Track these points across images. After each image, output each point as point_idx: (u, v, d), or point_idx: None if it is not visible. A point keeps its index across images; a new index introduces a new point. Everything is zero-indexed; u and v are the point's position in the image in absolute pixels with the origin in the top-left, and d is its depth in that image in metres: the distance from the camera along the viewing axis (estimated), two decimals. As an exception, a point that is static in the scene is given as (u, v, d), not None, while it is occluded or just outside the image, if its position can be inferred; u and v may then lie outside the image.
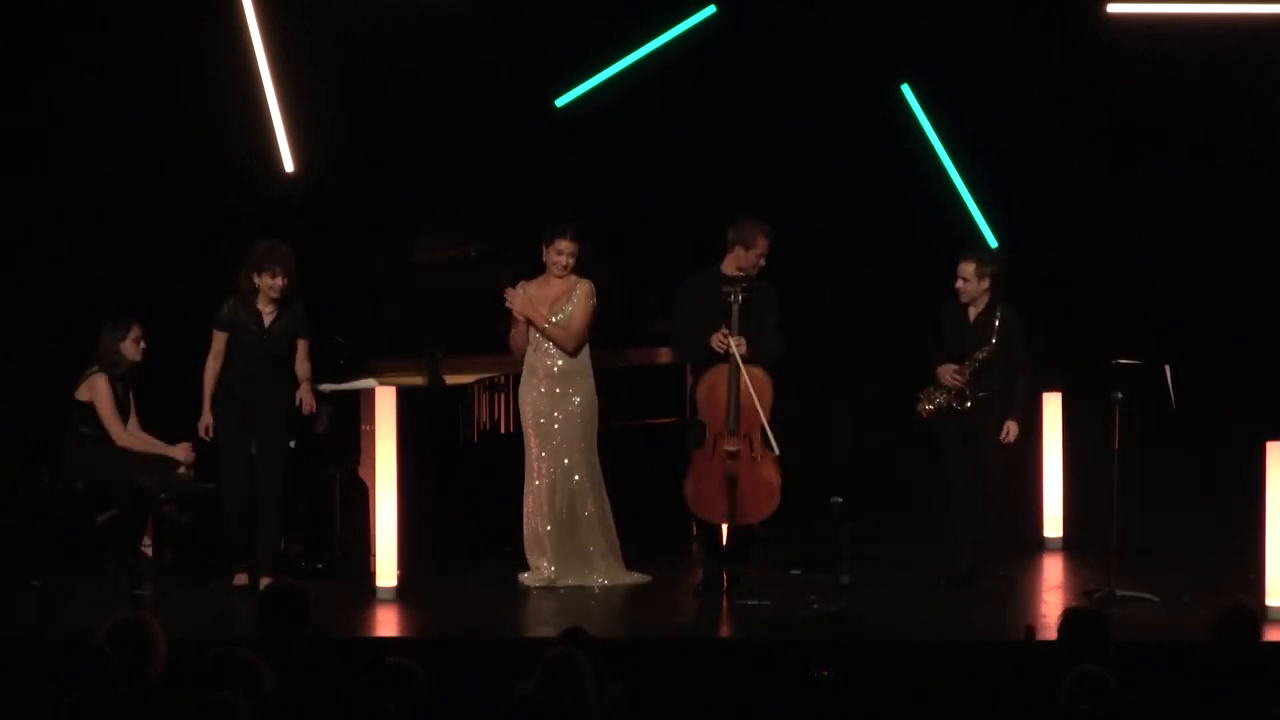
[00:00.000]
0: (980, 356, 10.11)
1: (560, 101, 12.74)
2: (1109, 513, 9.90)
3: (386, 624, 9.53)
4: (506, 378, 10.63)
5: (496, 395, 10.73)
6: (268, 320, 10.05)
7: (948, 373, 10.16)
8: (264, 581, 9.73)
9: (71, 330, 10.77)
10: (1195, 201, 12.65)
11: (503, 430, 10.68)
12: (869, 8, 12.71)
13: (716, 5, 12.78)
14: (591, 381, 10.24)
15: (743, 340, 9.71)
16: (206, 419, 10.07)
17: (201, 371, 10.09)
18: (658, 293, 11.12)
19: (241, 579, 9.99)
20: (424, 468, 10.37)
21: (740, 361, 9.69)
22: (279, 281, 9.96)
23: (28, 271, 12.15)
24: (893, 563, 10.71)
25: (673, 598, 10.08)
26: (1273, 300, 12.60)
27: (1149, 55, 12.46)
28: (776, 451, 9.72)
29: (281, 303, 10.04)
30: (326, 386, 10.43)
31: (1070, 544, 11.35)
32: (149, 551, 10.38)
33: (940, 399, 10.17)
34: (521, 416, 10.25)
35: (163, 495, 10.28)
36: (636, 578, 10.24)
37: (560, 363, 10.17)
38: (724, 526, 10.01)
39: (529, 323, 10.15)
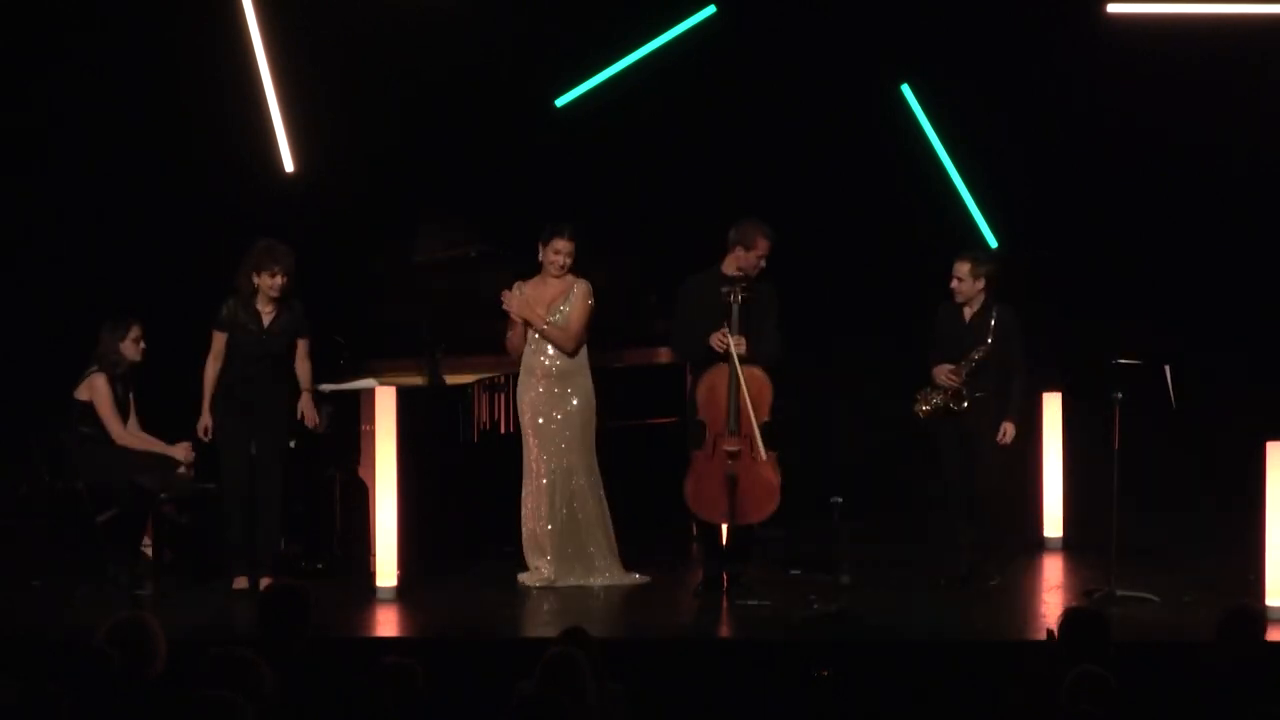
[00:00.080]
0: (976, 357, 10.11)
1: (560, 101, 12.75)
2: (1109, 513, 9.89)
3: (386, 624, 9.52)
4: (506, 378, 10.63)
5: (496, 395, 10.72)
6: (267, 320, 10.04)
7: (943, 373, 10.16)
8: (264, 582, 9.73)
9: (71, 330, 10.77)
10: (1195, 201, 12.66)
11: (503, 430, 10.68)
12: (869, 8, 12.71)
13: (716, 5, 12.79)
14: (590, 381, 10.23)
15: (742, 340, 9.71)
16: (206, 420, 10.07)
17: (201, 372, 10.09)
18: (658, 293, 11.12)
19: (241, 583, 9.98)
20: (424, 468, 10.37)
21: (739, 362, 9.69)
22: (278, 280, 9.95)
23: (28, 271, 12.16)
24: (893, 563, 10.70)
25: (673, 598, 10.08)
26: (1273, 300, 12.60)
27: (1149, 55, 12.46)
28: (764, 456, 9.70)
29: (281, 302, 10.03)
30: (326, 386, 10.43)
31: (1070, 544, 11.35)
32: (149, 551, 10.39)
33: (937, 399, 10.17)
34: (520, 417, 10.25)
35: (163, 495, 10.28)
36: (635, 578, 10.24)
37: (558, 363, 10.16)
38: (724, 526, 10.01)
39: (527, 324, 10.15)
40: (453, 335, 11.03)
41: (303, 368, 10.14)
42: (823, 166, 12.65)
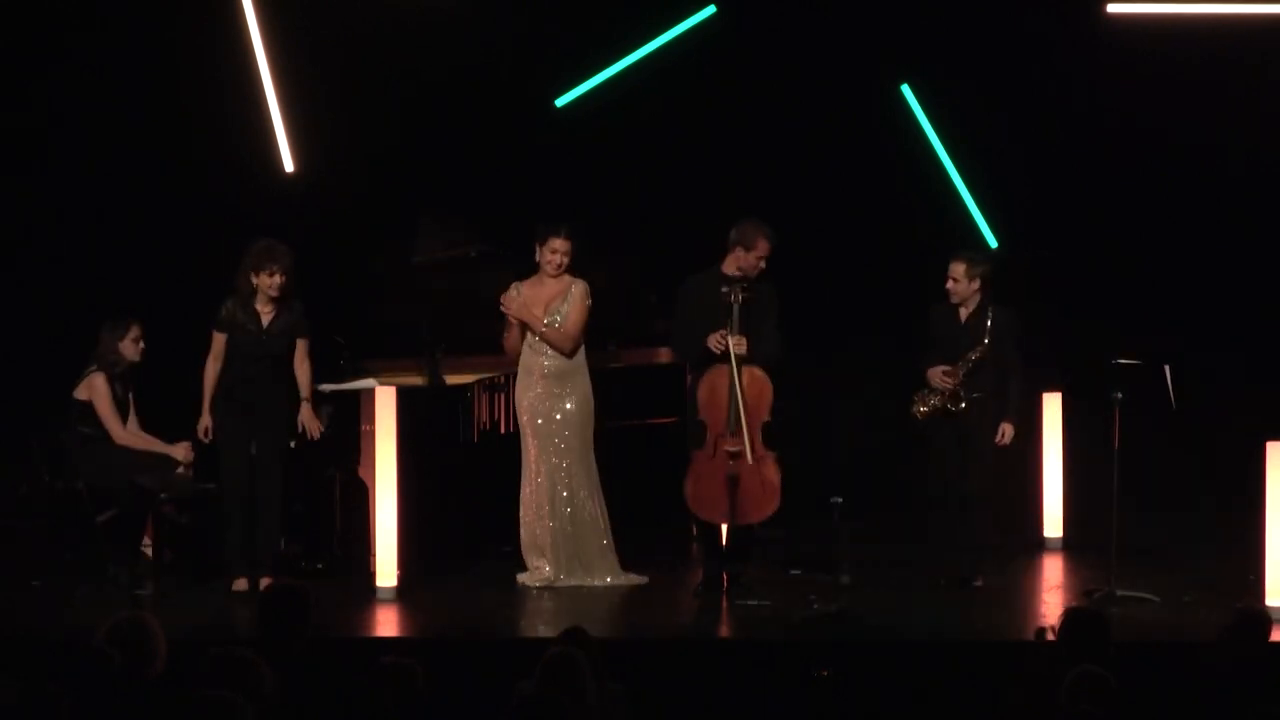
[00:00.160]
0: (973, 358, 10.11)
1: (560, 101, 12.75)
2: (1109, 513, 9.89)
3: (386, 624, 9.52)
4: (506, 378, 10.62)
5: (496, 395, 10.72)
6: (266, 320, 10.04)
7: (936, 375, 10.17)
8: (264, 582, 9.72)
9: (71, 330, 10.77)
10: (1195, 201, 12.66)
11: (503, 430, 10.67)
12: (869, 8, 12.72)
13: (716, 5, 12.79)
14: (588, 381, 10.23)
15: (743, 340, 9.71)
16: (206, 421, 10.06)
17: (201, 372, 10.08)
18: (658, 293, 11.12)
19: (241, 584, 9.97)
20: (424, 468, 10.37)
21: (739, 362, 9.68)
22: (277, 279, 9.94)
23: (28, 271, 12.16)
24: (893, 563, 10.70)
25: (673, 598, 10.08)
26: (1273, 300, 12.60)
27: (1149, 55, 12.47)
28: (750, 459, 9.70)
29: (280, 302, 10.02)
30: (327, 387, 10.43)
31: (1070, 544, 11.35)
32: (149, 551, 10.39)
33: (934, 401, 10.17)
34: (519, 417, 10.25)
35: (163, 495, 10.29)
36: (633, 578, 10.23)
37: (556, 363, 10.15)
38: (724, 526, 10.01)
39: (525, 326, 10.14)
40: (453, 335, 11.03)
41: (302, 370, 10.12)
42: (823, 166, 12.65)
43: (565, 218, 10.18)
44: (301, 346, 10.11)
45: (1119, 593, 9.72)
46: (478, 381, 10.69)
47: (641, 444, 11.20)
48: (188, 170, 12.21)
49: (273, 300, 10.00)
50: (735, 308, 9.72)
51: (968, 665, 8.57)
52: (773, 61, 12.72)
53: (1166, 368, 9.86)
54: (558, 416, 10.15)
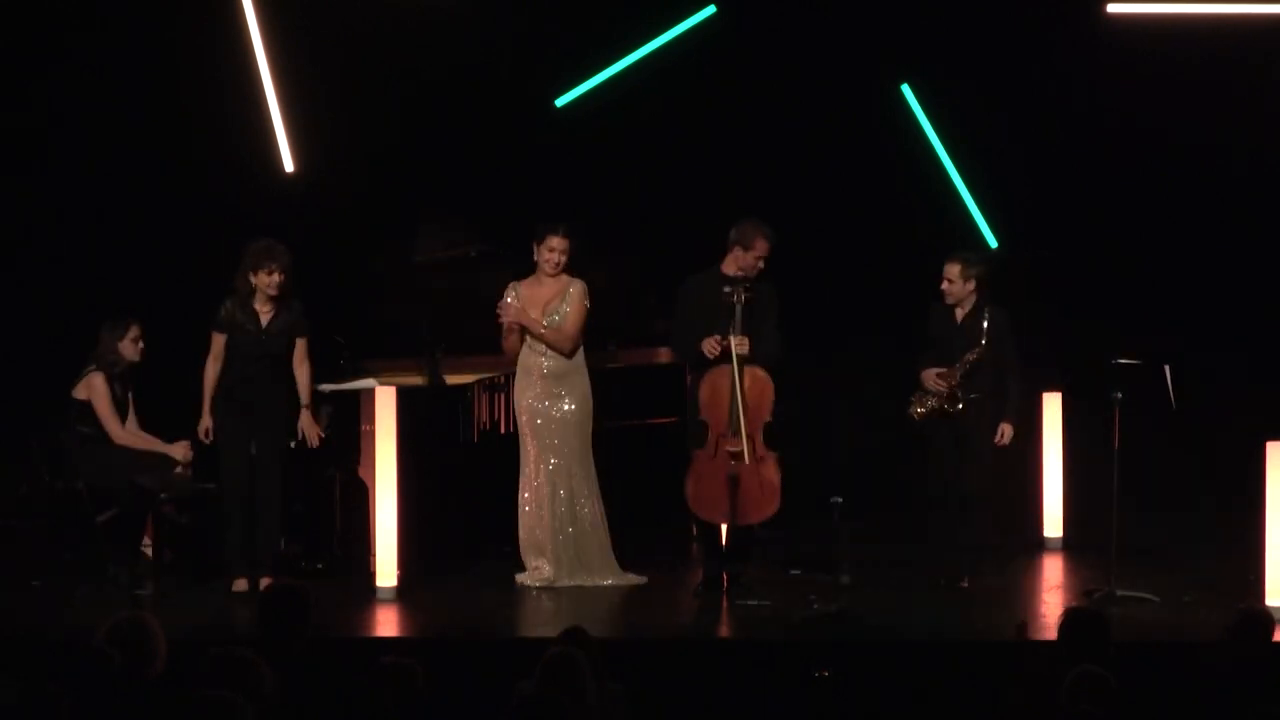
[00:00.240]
0: (970, 358, 10.10)
1: (560, 101, 12.75)
2: (1109, 513, 9.89)
3: (386, 624, 9.52)
4: (506, 378, 10.61)
5: (496, 395, 10.72)
6: (265, 320, 10.03)
7: (930, 377, 10.16)
8: (264, 582, 9.72)
9: (71, 330, 10.77)
10: (1195, 201, 12.66)
11: (503, 430, 10.67)
12: (869, 8, 12.71)
13: (716, 5, 12.78)
14: (587, 382, 10.23)
15: (745, 340, 9.70)
16: (206, 422, 10.06)
17: (201, 373, 10.08)
18: (658, 293, 11.12)
19: (241, 584, 9.96)
20: (424, 468, 10.37)
21: (741, 362, 9.68)
22: (275, 278, 9.94)
23: (28, 271, 12.16)
24: (893, 563, 10.70)
25: (673, 598, 10.08)
26: (1273, 300, 12.60)
27: (1149, 55, 12.46)
28: (751, 459, 9.70)
29: (279, 302, 10.02)
30: (327, 386, 10.43)
31: (1070, 544, 11.35)
32: (149, 551, 10.39)
33: (932, 402, 10.17)
34: (518, 417, 10.25)
35: (163, 495, 10.28)
36: (632, 579, 10.23)
37: (555, 363, 10.15)
38: (724, 527, 10.01)
39: (523, 328, 10.13)
40: (453, 335, 11.02)
41: (301, 371, 10.11)
42: (823, 166, 12.65)
43: (567, 218, 10.18)
44: (301, 346, 10.11)
45: (1119, 593, 9.72)
46: (477, 381, 10.69)
47: (641, 444, 11.20)
48: (188, 170, 12.21)
49: (271, 300, 10.00)
50: (738, 308, 9.71)
51: (968, 665, 8.56)
52: (773, 61, 12.72)
53: (1166, 368, 9.86)
54: (557, 416, 10.15)
